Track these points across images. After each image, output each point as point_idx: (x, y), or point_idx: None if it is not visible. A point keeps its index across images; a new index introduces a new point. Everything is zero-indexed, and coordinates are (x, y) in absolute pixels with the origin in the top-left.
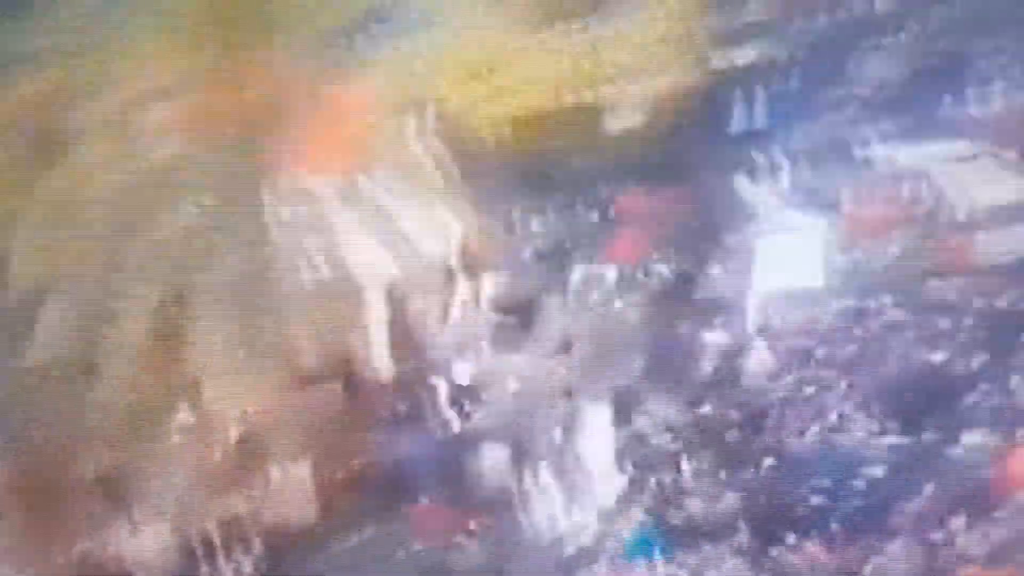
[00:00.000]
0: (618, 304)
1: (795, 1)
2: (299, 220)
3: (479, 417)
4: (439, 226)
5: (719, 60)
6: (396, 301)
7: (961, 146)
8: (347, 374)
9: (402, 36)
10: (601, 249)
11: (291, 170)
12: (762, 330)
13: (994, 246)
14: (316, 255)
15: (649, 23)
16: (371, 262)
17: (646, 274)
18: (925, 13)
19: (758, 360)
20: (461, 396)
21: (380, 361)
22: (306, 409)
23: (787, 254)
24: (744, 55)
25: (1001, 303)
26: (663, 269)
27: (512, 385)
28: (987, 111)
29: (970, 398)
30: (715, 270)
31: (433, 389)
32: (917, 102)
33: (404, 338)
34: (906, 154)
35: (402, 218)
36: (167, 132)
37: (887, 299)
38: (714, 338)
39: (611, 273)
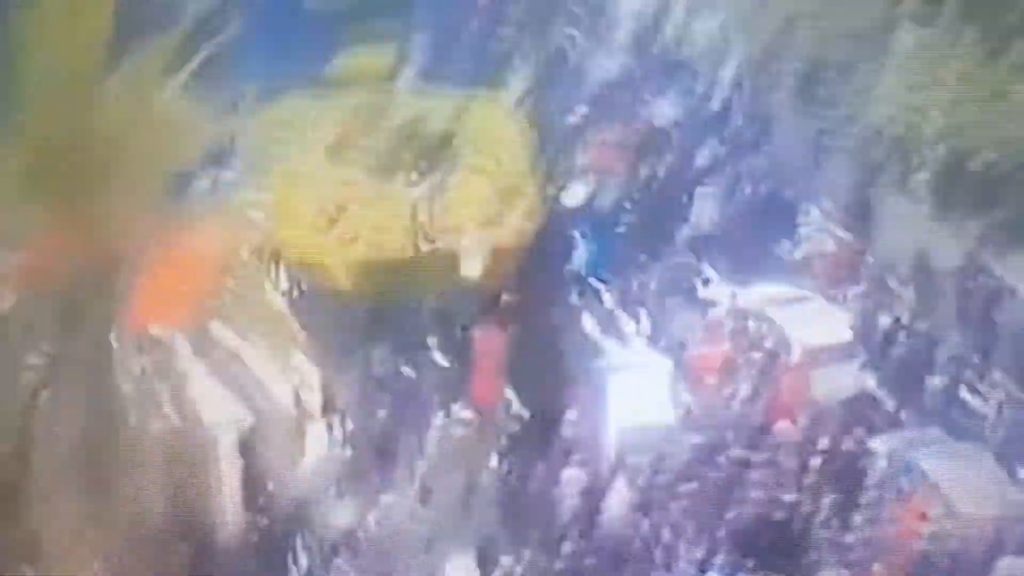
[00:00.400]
0: (476, 447)
1: (625, 149)
2: (148, 369)
3: (337, 569)
4: (293, 372)
5: (557, 204)
6: (249, 450)
7: (795, 287)
8: (198, 528)
9: (245, 183)
10: (458, 391)
11: (140, 318)
12: (618, 468)
13: (830, 383)
14: (166, 404)
15: (487, 171)
16: (222, 410)
17: (503, 416)
18: (741, 161)
19: (616, 498)
20: (317, 547)
21: (232, 512)
22: (156, 568)
23: (637, 391)
24: (578, 198)
25: (845, 443)
26: (519, 410)
27: (371, 534)
28: (816, 253)
29: (819, 537)
30: (569, 409)
31: (287, 540)
32: (751, 245)
33: (257, 488)
34: (744, 295)
35: (255, 365)
36: (11, 280)
37: (735, 438)
38: (572, 477)
39: (469, 416)
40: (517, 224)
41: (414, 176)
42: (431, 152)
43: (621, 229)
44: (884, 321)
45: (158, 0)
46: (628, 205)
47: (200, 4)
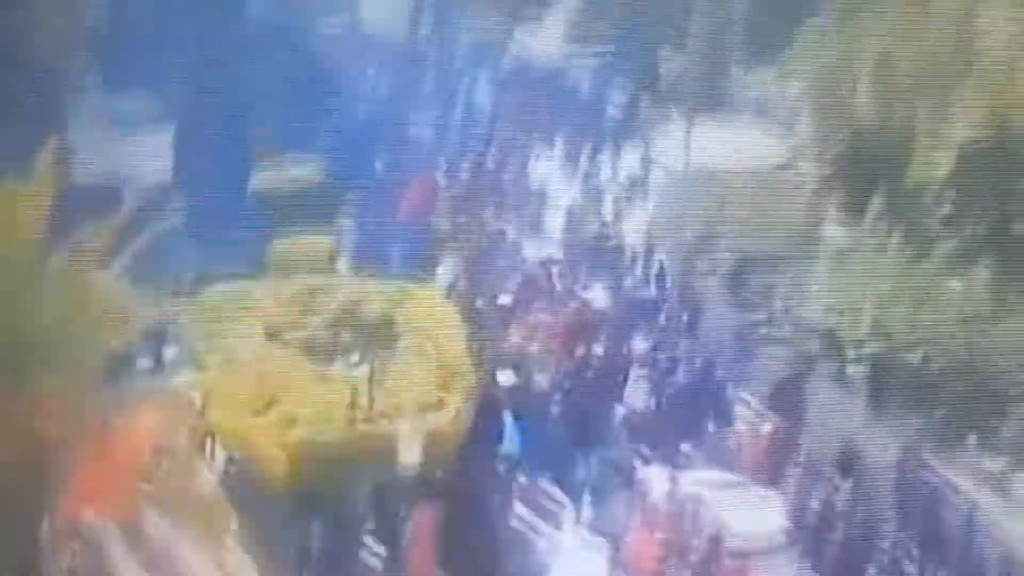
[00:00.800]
0: None
1: (558, 331)
2: (78, 563)
3: None
4: (226, 562)
5: (493, 385)
6: None
7: (730, 472)
8: None
9: (183, 366)
10: None
11: (73, 507)
12: None
13: (768, 574)
14: None
15: (426, 353)
16: None
17: None
18: (674, 346)
19: None
20: None
21: None
22: None
23: None
24: (512, 380)
25: None
26: None
27: None
28: (750, 438)
29: None
30: None
31: None
32: (686, 429)
33: None
34: (681, 480)
35: (187, 557)
36: None
37: None
38: None
39: None
40: (456, 404)
41: (354, 358)
42: (370, 334)
43: (556, 411)
44: (820, 509)
45: (99, 185)
46: (563, 386)
47: (141, 188)
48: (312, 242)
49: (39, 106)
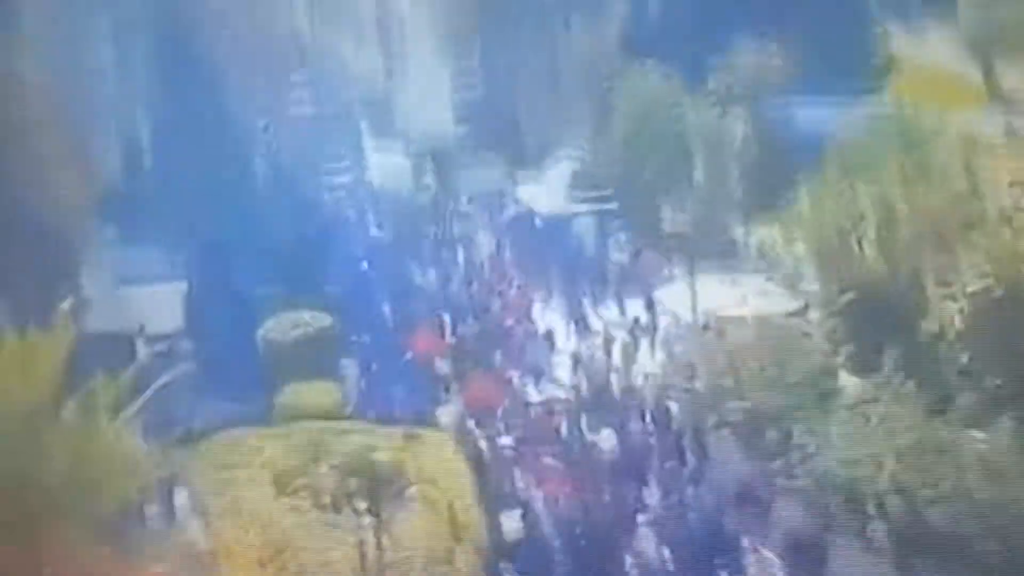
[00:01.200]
0: None
1: (565, 476)
2: None
3: None
4: None
5: (495, 538)
6: None
7: None
8: None
9: (191, 517)
10: None
11: None
12: None
13: None
14: None
15: (431, 506)
16: None
17: None
18: (685, 495)
19: None
20: None
21: None
22: None
23: None
24: (517, 526)
25: None
26: None
27: None
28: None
29: None
30: None
31: None
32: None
33: None
34: None
35: None
36: None
37: None
38: None
39: None
40: (466, 559)
41: (361, 506)
42: (378, 483)
43: (563, 560)
44: None
45: (112, 337)
46: (571, 533)
47: (152, 340)
48: (318, 388)
49: (56, 261)
